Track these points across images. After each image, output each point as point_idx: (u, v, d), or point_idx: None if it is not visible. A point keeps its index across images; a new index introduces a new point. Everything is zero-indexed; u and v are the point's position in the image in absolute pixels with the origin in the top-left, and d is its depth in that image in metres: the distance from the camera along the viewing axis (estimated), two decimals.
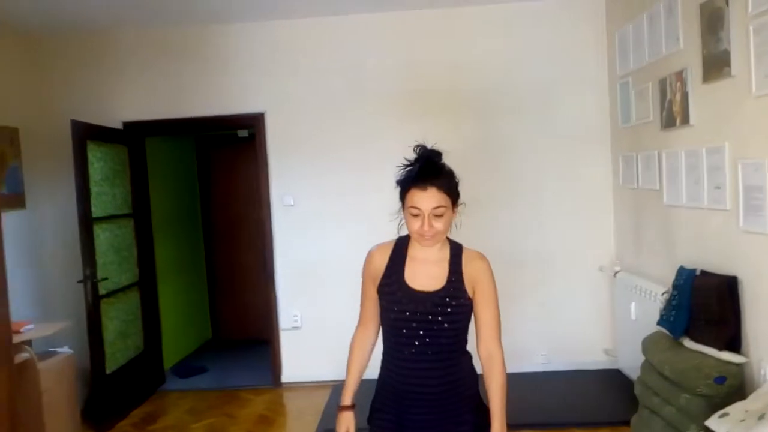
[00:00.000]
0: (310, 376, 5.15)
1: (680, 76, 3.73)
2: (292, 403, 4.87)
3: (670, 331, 3.65)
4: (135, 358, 4.96)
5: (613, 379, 4.78)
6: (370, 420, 2.19)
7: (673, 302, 3.66)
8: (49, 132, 4.97)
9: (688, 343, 3.49)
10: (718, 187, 3.39)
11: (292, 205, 5.17)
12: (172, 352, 5.81)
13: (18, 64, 4.97)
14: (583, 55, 5.07)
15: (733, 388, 3.12)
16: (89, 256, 4.33)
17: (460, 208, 2.12)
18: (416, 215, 2.02)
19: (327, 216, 5.17)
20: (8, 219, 4.55)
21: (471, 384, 2.11)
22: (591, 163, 5.09)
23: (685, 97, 3.68)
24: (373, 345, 2.24)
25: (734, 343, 3.26)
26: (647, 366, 3.73)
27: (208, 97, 5.16)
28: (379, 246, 2.21)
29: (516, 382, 4.74)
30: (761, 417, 2.72)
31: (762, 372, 3.08)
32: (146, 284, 5.21)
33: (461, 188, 2.12)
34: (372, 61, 5.12)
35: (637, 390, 3.84)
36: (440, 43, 5.11)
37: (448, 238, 2.16)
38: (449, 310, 2.03)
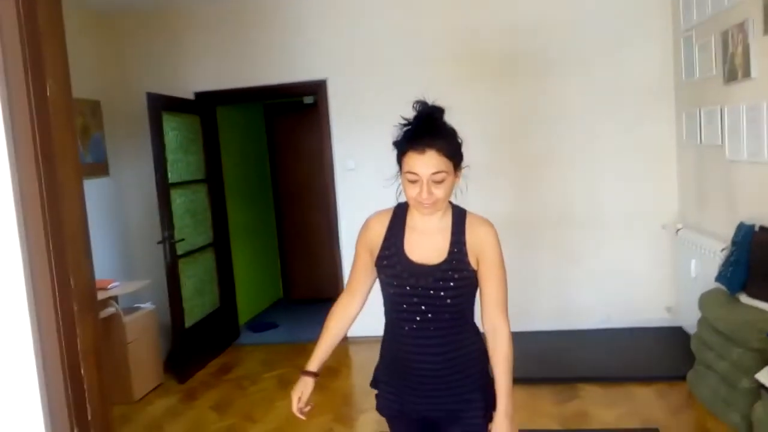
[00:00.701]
0: (372, 331, 5.33)
1: (742, 27, 3.64)
2: (356, 355, 5.13)
3: (727, 287, 3.64)
4: (211, 313, 5.32)
5: (674, 336, 4.78)
6: (373, 385, 2.08)
7: (731, 258, 3.64)
8: (127, 104, 5.32)
9: (744, 299, 3.48)
10: None
11: (353, 169, 5.35)
12: (245, 309, 6.16)
13: (97, 41, 5.32)
14: (646, 9, 4.96)
15: None
16: (167, 218, 4.66)
17: (464, 172, 1.92)
18: (414, 181, 1.82)
19: (386, 178, 5.32)
20: (93, 186, 4.95)
21: (478, 361, 1.94)
22: (655, 119, 5.01)
23: (746, 49, 3.60)
24: (355, 315, 2.09)
25: None
26: (704, 322, 3.75)
27: (273, 65, 5.37)
28: (377, 213, 2.04)
29: (575, 339, 4.89)
30: None
31: None
32: (220, 245, 5.55)
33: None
34: (430, 25, 5.18)
35: (694, 345, 3.86)
36: (498, 4, 5.10)
37: (451, 204, 1.97)
38: (452, 284, 1.85)
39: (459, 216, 1.94)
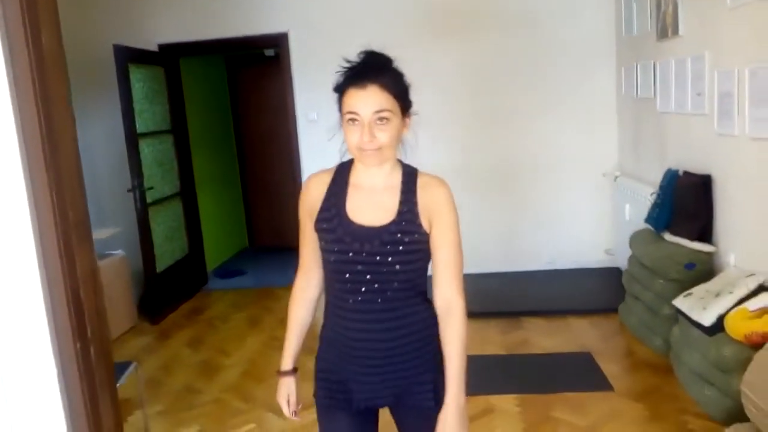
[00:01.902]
0: None
1: None
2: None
3: (653, 227, 4.06)
4: (181, 259, 5.56)
5: (612, 275, 5.23)
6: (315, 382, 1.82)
7: (658, 201, 4.05)
8: (91, 56, 5.40)
9: (668, 236, 3.90)
10: (699, 94, 3.69)
11: (315, 120, 5.58)
12: (213, 257, 6.41)
13: None
14: None
15: (702, 273, 3.55)
16: (136, 167, 4.85)
17: (413, 120, 1.71)
18: (354, 120, 1.60)
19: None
20: None
21: (432, 337, 1.71)
22: (598, 73, 5.36)
23: (675, 8, 3.93)
24: (318, 294, 1.85)
25: (705, 235, 3.66)
26: (632, 258, 4.17)
27: (235, 17, 5.50)
28: (317, 173, 1.81)
29: (522, 279, 5.30)
30: (717, 294, 3.17)
31: (727, 260, 3.49)
32: (187, 194, 5.76)
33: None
34: None
35: (624, 280, 4.30)
36: None
37: (400, 162, 1.75)
38: (401, 248, 1.63)
39: (410, 174, 1.72)
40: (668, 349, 3.63)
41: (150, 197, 5.05)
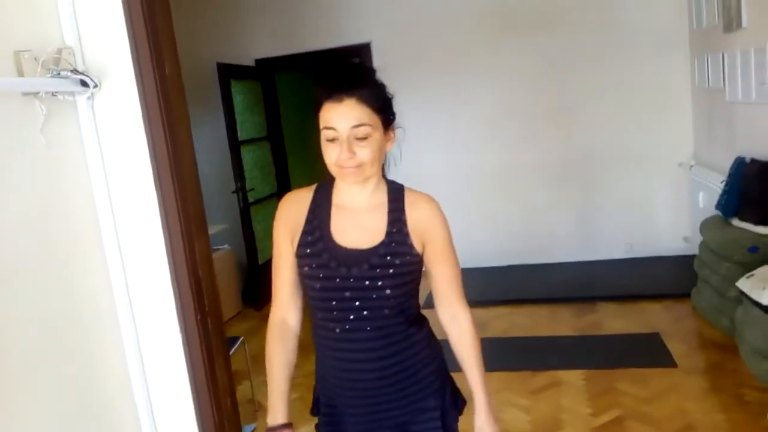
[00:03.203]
0: None
1: None
2: None
3: (722, 213, 4.19)
4: None
5: (688, 262, 5.28)
6: (314, 410, 1.78)
7: (726, 188, 4.18)
8: (198, 74, 6.05)
9: (735, 222, 4.03)
10: (763, 84, 3.81)
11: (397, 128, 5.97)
12: None
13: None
14: None
15: (765, 256, 3.67)
16: (239, 171, 5.44)
17: (397, 134, 1.60)
18: (332, 139, 1.48)
19: (432, 132, 5.94)
20: None
21: (430, 359, 1.63)
22: (672, 65, 5.46)
23: (738, 1, 4.05)
24: (297, 330, 1.69)
25: None
26: (702, 244, 4.31)
27: (321, 30, 6.01)
28: (293, 193, 1.68)
29: (599, 267, 5.49)
30: None
31: None
32: (283, 194, 6.31)
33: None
34: None
35: (696, 265, 4.44)
36: None
37: (386, 179, 1.64)
38: (392, 271, 1.51)
39: (396, 191, 1.61)
40: (734, 330, 3.77)
41: (251, 197, 5.63)
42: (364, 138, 1.49)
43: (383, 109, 1.53)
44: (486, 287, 5.39)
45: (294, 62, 6.35)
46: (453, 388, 1.68)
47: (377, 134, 1.51)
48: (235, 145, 5.41)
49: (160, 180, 2.58)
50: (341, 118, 1.47)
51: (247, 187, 5.53)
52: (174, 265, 2.62)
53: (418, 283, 1.62)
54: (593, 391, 3.45)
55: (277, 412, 1.64)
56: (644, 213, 5.67)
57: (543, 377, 3.66)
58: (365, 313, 1.53)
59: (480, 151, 5.84)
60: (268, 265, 5.73)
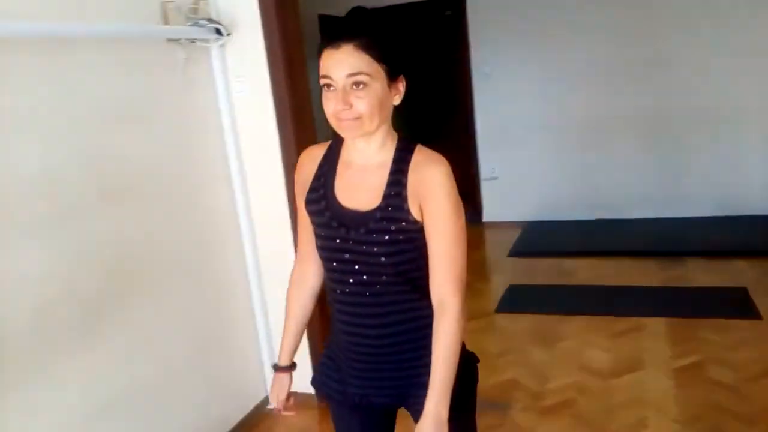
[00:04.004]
0: (505, 217, 6.27)
1: None
2: (490, 235, 6.07)
3: None
4: None
5: None
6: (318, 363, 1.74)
7: None
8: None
9: None
10: None
11: (489, 75, 6.08)
12: None
13: None
14: None
15: None
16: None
17: (402, 87, 1.46)
18: (329, 87, 1.38)
19: (520, 81, 6.01)
20: None
21: None
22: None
23: None
24: (316, 285, 1.68)
25: None
26: None
27: None
28: (308, 149, 1.63)
29: (690, 224, 5.48)
30: None
31: None
32: None
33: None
34: None
35: None
36: None
37: (400, 136, 1.53)
38: (387, 237, 1.43)
39: (404, 149, 1.49)
40: None
41: None
42: (362, 88, 1.36)
43: (387, 57, 1.40)
44: (572, 239, 5.51)
45: (389, 15, 6.50)
46: (463, 368, 1.45)
47: (377, 85, 1.38)
48: None
49: (280, 118, 2.89)
50: (336, 66, 1.36)
51: None
52: (290, 194, 2.93)
53: (423, 254, 1.45)
54: (675, 336, 3.57)
55: (283, 355, 1.70)
56: (737, 171, 5.58)
57: (626, 322, 3.80)
58: (364, 277, 1.47)
59: (570, 103, 5.86)
60: None
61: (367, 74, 1.36)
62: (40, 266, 2.03)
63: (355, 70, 1.35)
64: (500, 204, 6.33)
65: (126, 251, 2.37)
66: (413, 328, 1.49)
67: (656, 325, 3.74)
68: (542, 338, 3.74)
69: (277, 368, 1.71)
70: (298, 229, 1.64)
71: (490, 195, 6.37)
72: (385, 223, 1.42)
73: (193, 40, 2.68)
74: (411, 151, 1.48)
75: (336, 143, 1.55)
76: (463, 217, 1.44)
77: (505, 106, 6.11)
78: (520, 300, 4.38)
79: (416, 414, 1.46)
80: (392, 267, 1.44)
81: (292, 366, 1.71)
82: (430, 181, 1.41)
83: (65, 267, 2.12)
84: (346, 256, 1.47)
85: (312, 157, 1.57)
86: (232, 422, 2.92)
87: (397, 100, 1.47)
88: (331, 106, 1.38)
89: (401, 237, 1.42)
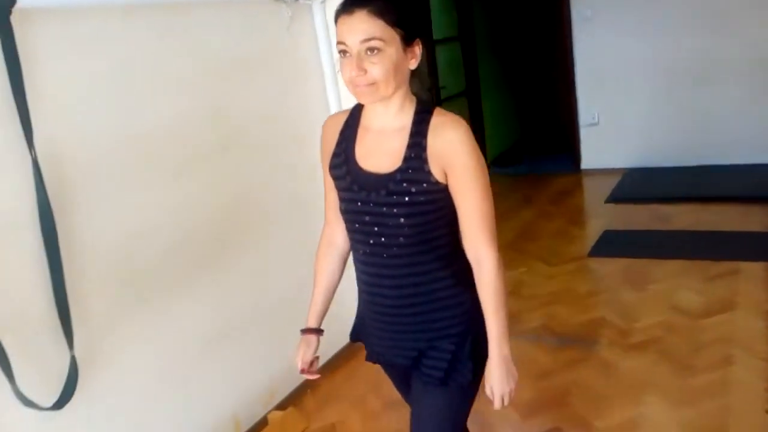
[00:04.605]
0: (604, 164, 6.21)
1: None
2: (588, 182, 6.07)
3: None
4: None
5: None
6: (353, 335, 1.79)
7: None
8: None
9: None
10: None
11: (590, 18, 5.97)
12: (492, 148, 7.30)
13: None
14: None
15: None
16: (433, 69, 5.85)
17: (418, 51, 1.47)
18: (345, 53, 1.42)
19: (623, 24, 5.86)
20: None
21: (453, 302, 1.55)
22: None
23: None
24: (344, 249, 1.70)
25: None
26: None
27: None
28: (331, 116, 1.67)
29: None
30: None
31: None
32: (472, 93, 6.67)
33: None
34: None
35: None
36: None
37: (417, 99, 1.53)
38: (407, 199, 1.45)
39: (422, 113, 1.50)
40: None
41: (443, 95, 6.05)
42: (376, 53, 1.39)
43: (402, 22, 1.41)
44: (672, 186, 5.43)
45: None
46: (477, 338, 1.54)
47: (391, 50, 1.40)
48: (430, 44, 5.80)
49: None
50: (350, 32, 1.39)
51: (440, 84, 5.94)
52: None
53: (445, 217, 1.50)
54: None
55: (311, 318, 1.72)
56: None
57: (722, 266, 3.78)
58: (383, 239, 1.51)
59: (676, 47, 5.66)
60: None
61: (381, 39, 1.38)
62: (177, 203, 2.39)
63: (368, 36, 1.37)
64: (600, 150, 6.27)
65: (242, 192, 2.70)
66: (428, 292, 1.52)
67: (754, 269, 3.71)
68: (633, 280, 3.80)
69: (304, 330, 1.72)
70: (325, 193, 1.68)
71: (589, 141, 6.32)
72: (405, 185, 1.45)
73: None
74: (430, 113, 1.49)
75: (357, 109, 1.59)
76: (487, 174, 1.48)
77: (606, 50, 5.99)
78: (615, 244, 4.42)
79: (424, 378, 1.55)
80: (410, 228, 1.47)
81: (320, 330, 1.73)
82: (452, 142, 1.44)
83: (199, 203, 2.47)
84: (367, 218, 1.51)
85: (334, 124, 1.61)
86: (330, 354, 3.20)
87: (413, 65, 1.47)
88: (347, 72, 1.42)
89: (422, 198, 1.45)
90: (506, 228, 5.07)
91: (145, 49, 2.29)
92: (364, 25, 1.37)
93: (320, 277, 1.72)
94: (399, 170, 1.46)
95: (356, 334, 1.75)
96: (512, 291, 3.88)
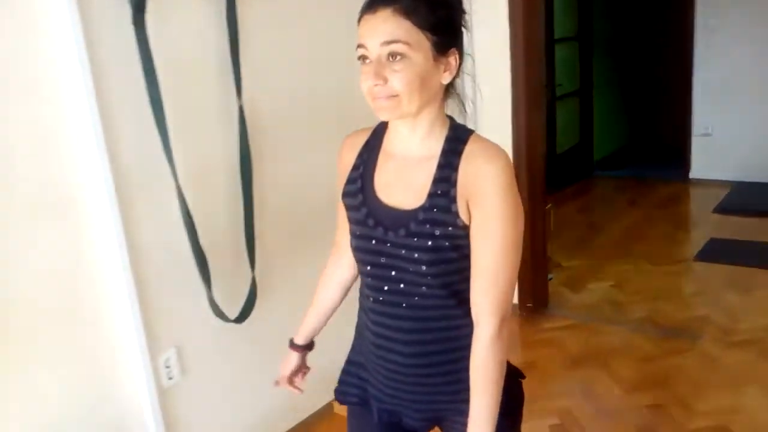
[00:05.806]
0: (714, 175, 6.20)
1: None
2: (695, 191, 6.10)
3: None
4: (573, 147, 6.70)
5: None
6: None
7: None
8: None
9: None
10: None
11: (714, 29, 5.96)
12: (599, 148, 7.36)
13: None
14: None
15: None
16: (552, 68, 6.02)
17: (455, 62, 1.23)
18: (364, 59, 1.20)
19: (747, 37, 5.82)
20: None
21: None
22: None
23: None
24: (347, 277, 1.54)
25: None
26: None
27: None
28: (351, 134, 1.43)
29: None
30: None
31: None
32: (584, 92, 6.79)
33: None
34: None
35: None
36: None
37: (452, 120, 1.30)
38: (430, 243, 1.23)
39: (456, 140, 1.26)
40: None
41: (558, 92, 6.21)
42: (399, 60, 1.16)
43: (436, 26, 1.18)
44: None
45: None
46: (507, 393, 1.27)
47: (418, 57, 1.17)
48: (550, 43, 5.97)
49: (515, 60, 3.35)
50: (371, 33, 1.18)
51: (557, 82, 6.11)
52: (516, 132, 3.41)
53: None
54: None
55: (299, 334, 1.59)
56: None
57: None
58: (401, 286, 1.28)
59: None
60: (564, 154, 6.36)
61: (406, 43, 1.15)
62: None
63: (390, 38, 1.15)
64: (710, 161, 6.26)
65: None
66: (454, 348, 1.29)
67: None
68: (738, 285, 3.90)
69: (290, 344, 1.60)
70: (338, 217, 1.47)
71: (699, 152, 6.32)
72: (428, 226, 1.22)
73: None
74: (464, 142, 1.24)
75: (381, 128, 1.36)
76: (522, 225, 1.22)
77: (726, 62, 5.98)
78: (721, 252, 4.50)
79: None
80: (434, 278, 1.25)
81: (307, 347, 1.60)
82: (484, 177, 1.19)
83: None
84: (383, 260, 1.29)
85: (352, 145, 1.38)
86: None
87: (446, 78, 1.23)
88: (364, 82, 1.20)
89: (446, 243, 1.22)
90: (612, 227, 5.23)
91: (333, 27, 2.63)
92: (386, 26, 1.16)
93: (317, 297, 1.58)
94: (422, 208, 1.23)
95: (342, 392, 1.51)
96: (616, 284, 4.07)
